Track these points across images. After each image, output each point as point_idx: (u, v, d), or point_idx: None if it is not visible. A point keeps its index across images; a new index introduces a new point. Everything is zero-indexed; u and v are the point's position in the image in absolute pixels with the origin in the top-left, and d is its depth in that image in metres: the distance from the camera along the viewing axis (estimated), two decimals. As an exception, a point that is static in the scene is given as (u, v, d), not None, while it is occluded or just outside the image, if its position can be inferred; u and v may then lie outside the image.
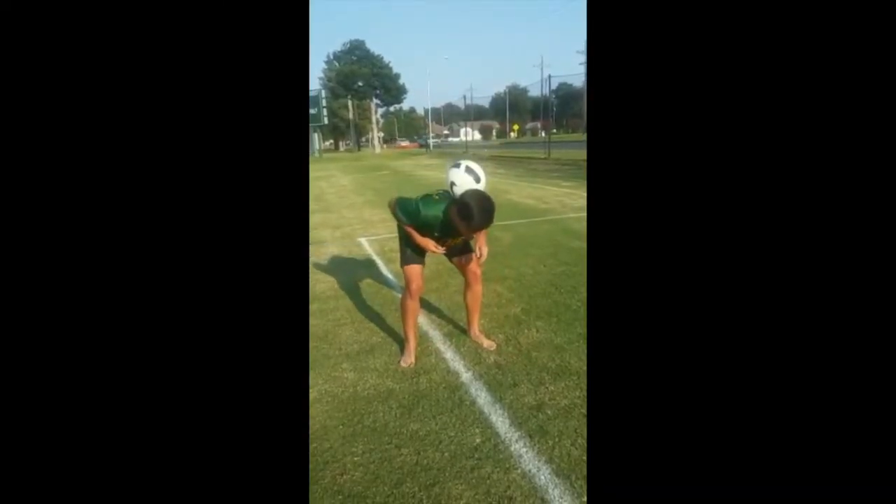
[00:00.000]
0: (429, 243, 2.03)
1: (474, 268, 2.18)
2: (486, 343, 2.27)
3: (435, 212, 1.94)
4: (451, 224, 1.89)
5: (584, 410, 1.69)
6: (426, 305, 2.86)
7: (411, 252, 2.11)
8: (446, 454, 1.51)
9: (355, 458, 1.51)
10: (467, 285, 2.25)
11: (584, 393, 1.81)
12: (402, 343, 2.34)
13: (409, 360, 2.14)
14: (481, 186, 1.98)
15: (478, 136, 43.21)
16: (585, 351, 2.14)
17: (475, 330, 2.33)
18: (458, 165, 2.05)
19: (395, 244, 4.48)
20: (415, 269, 2.10)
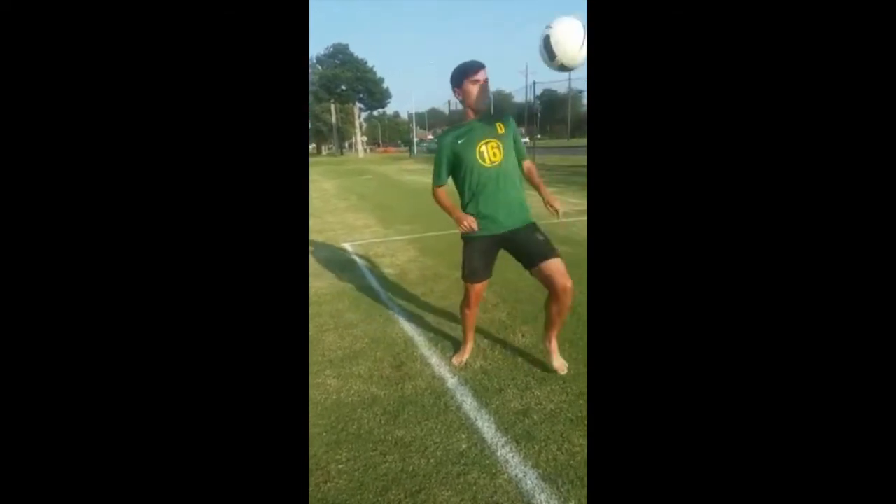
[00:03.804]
0: (462, 218, 1.82)
1: (563, 280, 1.73)
2: (557, 363, 1.95)
3: (458, 128, 1.84)
4: (471, 100, 1.77)
5: (570, 415, 1.70)
6: (409, 311, 2.84)
7: (477, 266, 1.91)
8: (432, 460, 1.50)
9: (339, 466, 1.49)
10: (554, 297, 1.80)
11: (570, 397, 1.81)
12: (385, 349, 2.33)
13: (461, 358, 2.12)
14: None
15: (462, 141, 43.10)
16: (571, 355, 2.15)
17: (553, 344, 1.99)
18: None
19: (379, 249, 4.54)
20: (476, 289, 1.95)
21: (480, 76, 1.76)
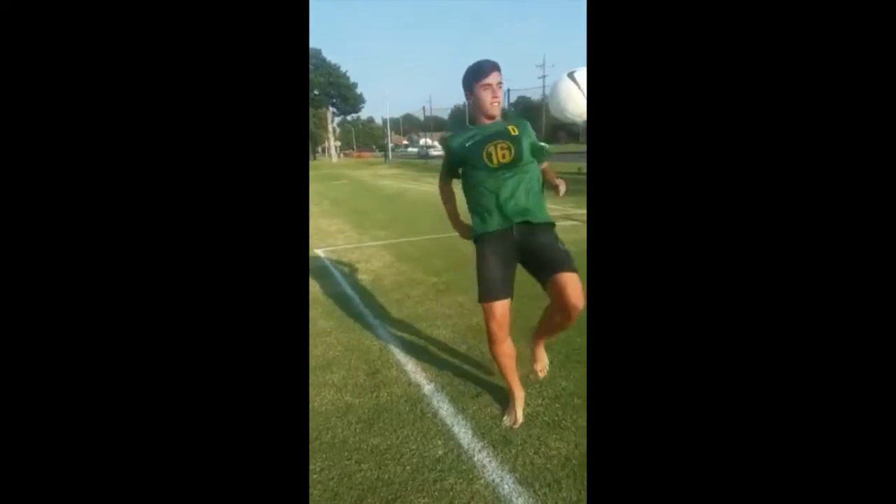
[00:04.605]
0: (458, 226, 1.83)
1: (577, 299, 1.48)
2: (540, 365, 1.88)
3: (468, 130, 1.68)
4: (477, 109, 1.63)
5: (546, 418, 1.71)
6: (384, 318, 2.81)
7: (492, 282, 1.60)
8: (408, 468, 1.48)
9: (313, 476, 1.45)
10: (560, 310, 1.56)
11: (546, 401, 1.82)
12: (359, 357, 2.29)
13: (513, 416, 1.69)
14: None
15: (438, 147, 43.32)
16: (548, 358, 2.17)
17: (541, 349, 1.91)
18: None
19: (353, 255, 4.49)
20: (494, 308, 1.59)
21: (492, 79, 1.57)
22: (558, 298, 1.52)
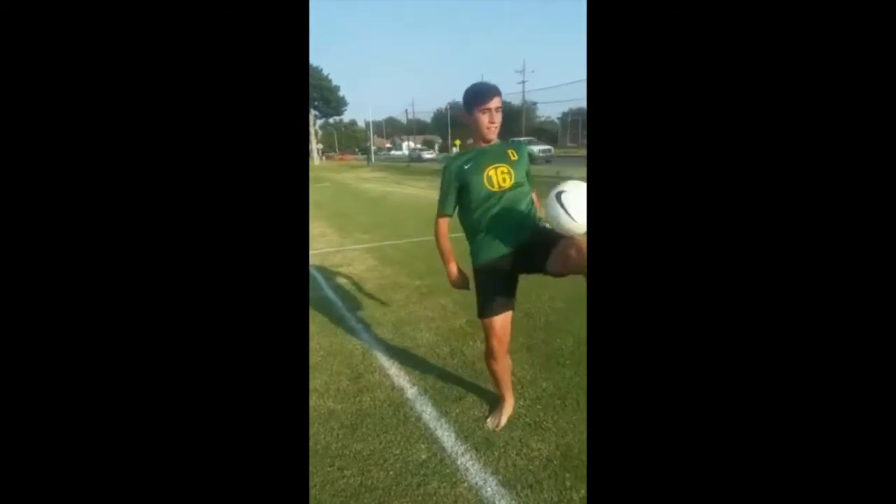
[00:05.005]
0: (454, 272, 1.73)
1: (579, 257, 1.30)
2: None
3: (466, 153, 1.65)
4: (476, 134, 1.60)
5: (528, 420, 1.73)
6: (367, 322, 2.80)
7: (492, 298, 1.61)
8: (391, 473, 1.48)
9: (295, 485, 1.44)
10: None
11: (528, 402, 1.84)
12: (342, 362, 2.28)
13: (498, 419, 1.73)
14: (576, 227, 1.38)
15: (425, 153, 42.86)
16: (527, 361, 2.19)
17: None
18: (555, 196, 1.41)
19: (336, 259, 4.46)
20: (497, 322, 1.60)
21: (492, 104, 1.56)
22: (566, 260, 1.37)
